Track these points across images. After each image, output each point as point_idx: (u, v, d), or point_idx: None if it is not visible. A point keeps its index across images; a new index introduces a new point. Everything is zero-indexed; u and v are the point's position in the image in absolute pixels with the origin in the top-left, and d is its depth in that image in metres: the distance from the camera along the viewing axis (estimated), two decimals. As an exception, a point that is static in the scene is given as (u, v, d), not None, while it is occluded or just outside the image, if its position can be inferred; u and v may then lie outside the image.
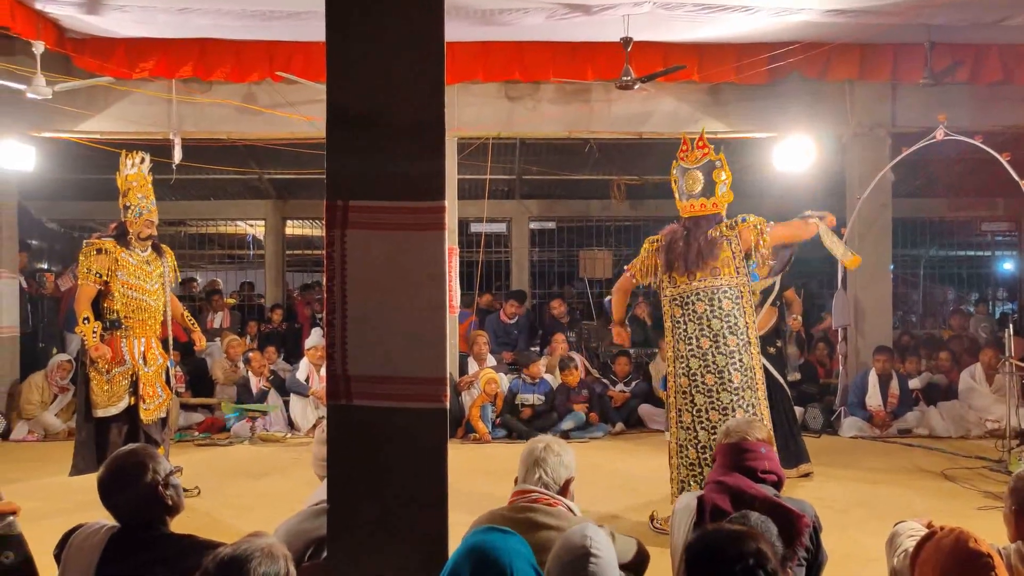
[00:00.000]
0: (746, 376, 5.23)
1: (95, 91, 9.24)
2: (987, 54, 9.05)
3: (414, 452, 2.66)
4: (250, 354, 9.88)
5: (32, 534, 3.20)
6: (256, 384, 9.56)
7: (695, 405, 5.32)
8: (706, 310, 5.33)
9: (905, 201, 12.36)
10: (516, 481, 3.24)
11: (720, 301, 5.30)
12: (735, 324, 5.26)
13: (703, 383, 5.29)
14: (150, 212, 6.41)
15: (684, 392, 5.38)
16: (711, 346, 5.28)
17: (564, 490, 3.17)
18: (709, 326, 5.31)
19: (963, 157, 11.18)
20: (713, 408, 5.25)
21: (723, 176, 5.47)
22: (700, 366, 5.31)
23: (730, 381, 5.24)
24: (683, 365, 5.39)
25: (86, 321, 6.21)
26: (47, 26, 8.22)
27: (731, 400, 5.23)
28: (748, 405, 5.21)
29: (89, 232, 11.12)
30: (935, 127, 8.41)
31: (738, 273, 5.29)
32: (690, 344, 5.35)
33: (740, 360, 5.24)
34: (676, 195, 5.66)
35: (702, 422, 5.29)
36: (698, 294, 5.35)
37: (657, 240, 5.66)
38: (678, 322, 5.44)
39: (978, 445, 8.32)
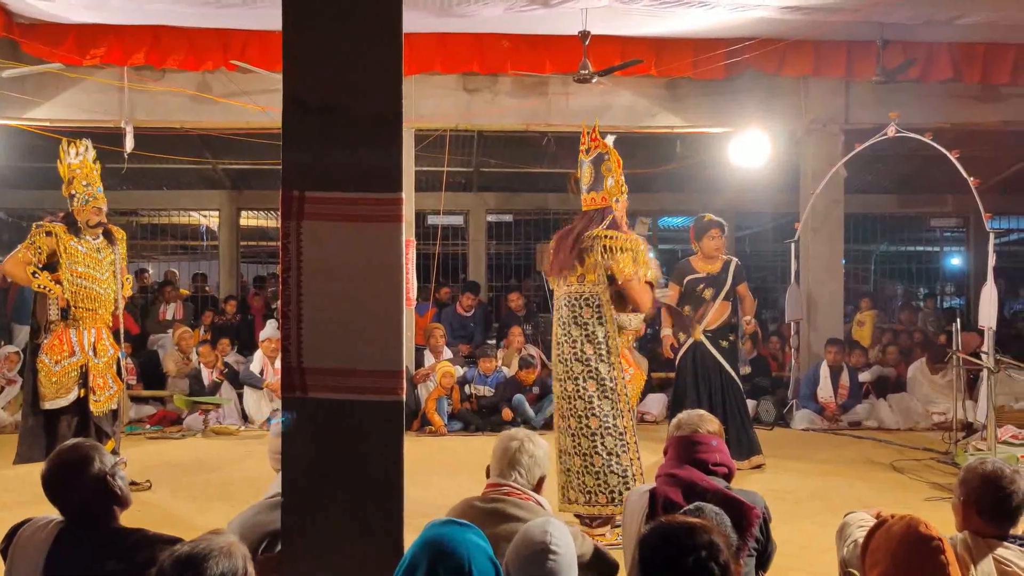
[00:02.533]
0: (601, 387, 5.17)
1: (44, 78, 9.05)
2: (938, 52, 9.21)
3: (370, 445, 2.66)
4: (199, 348, 9.74)
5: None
6: (208, 376, 9.44)
7: (560, 409, 5.34)
8: (570, 316, 5.29)
9: (857, 197, 12.55)
10: (488, 472, 3.25)
11: (581, 308, 5.25)
12: (592, 333, 5.21)
13: (563, 389, 5.31)
14: (96, 199, 6.27)
15: (556, 396, 5.44)
16: (570, 352, 5.26)
17: (538, 487, 3.20)
18: (570, 332, 5.28)
19: (914, 154, 11.38)
20: (572, 415, 5.24)
21: (610, 168, 5.33)
22: (564, 371, 5.30)
23: (585, 389, 5.20)
24: (554, 367, 5.43)
25: (35, 275, 6.06)
26: (-6, 11, 8.05)
27: (585, 408, 5.19)
28: (605, 416, 5.15)
29: (40, 220, 10.91)
30: (887, 124, 8.53)
31: (599, 281, 5.21)
32: (559, 348, 5.35)
33: (596, 369, 5.18)
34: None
35: (560, 427, 5.32)
36: (567, 298, 5.33)
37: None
38: (555, 323, 5.44)
39: (926, 437, 8.48)
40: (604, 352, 5.19)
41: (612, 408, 5.15)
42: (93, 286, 6.24)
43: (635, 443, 5.14)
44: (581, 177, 5.50)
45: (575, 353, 5.23)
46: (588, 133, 5.48)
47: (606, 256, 5.17)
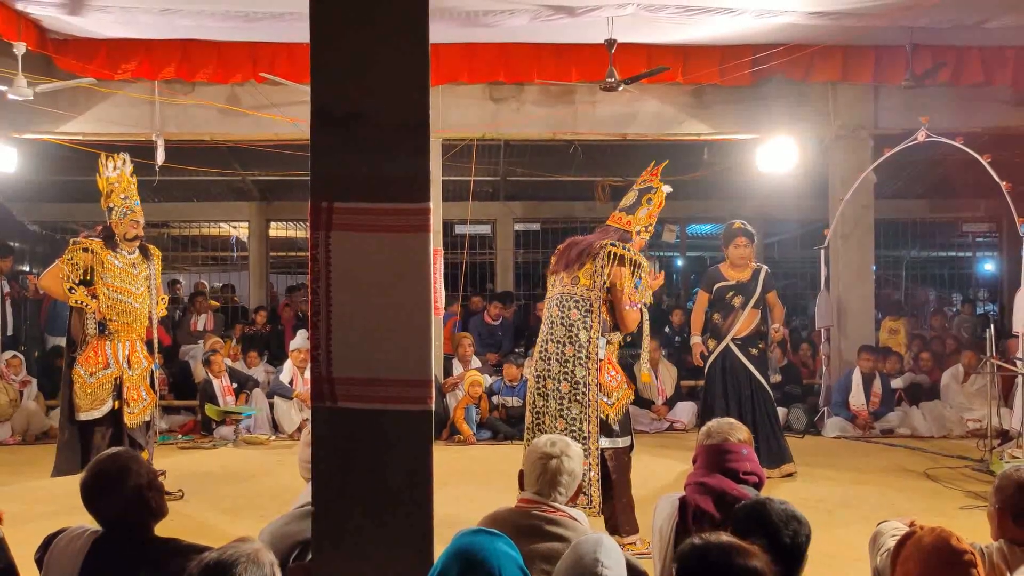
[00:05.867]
0: (575, 389, 5.16)
1: (77, 92, 9.18)
2: (968, 56, 9.11)
3: (399, 454, 2.66)
4: (210, 356, 9.65)
5: (14, 538, 3.18)
6: (221, 387, 9.37)
7: (535, 406, 5.31)
8: (559, 315, 5.28)
9: (887, 202, 12.44)
10: (520, 478, 3.24)
11: (570, 309, 5.24)
12: (576, 336, 5.20)
13: (543, 386, 5.28)
14: (134, 212, 6.36)
15: (530, 392, 5.39)
16: (555, 351, 5.25)
17: (574, 497, 3.20)
18: (555, 332, 5.27)
19: (944, 159, 11.27)
20: (547, 413, 5.23)
21: (651, 201, 5.43)
22: (543, 368, 5.28)
23: (558, 390, 5.20)
24: (535, 364, 5.40)
25: (72, 290, 6.14)
26: (28, 27, 8.16)
27: (558, 407, 5.19)
28: (571, 418, 5.14)
29: (73, 233, 11.05)
30: (917, 129, 8.46)
31: (594, 287, 5.19)
32: (543, 345, 5.33)
33: (572, 372, 5.18)
34: None
35: (540, 425, 5.25)
36: (559, 298, 5.32)
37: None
38: (544, 321, 5.42)
39: (960, 445, 8.38)
40: (583, 356, 5.17)
41: (580, 412, 5.14)
42: (128, 300, 6.32)
43: (597, 451, 5.10)
44: (623, 199, 5.57)
45: (557, 353, 5.22)
46: (651, 170, 5.58)
47: (610, 264, 5.16)
